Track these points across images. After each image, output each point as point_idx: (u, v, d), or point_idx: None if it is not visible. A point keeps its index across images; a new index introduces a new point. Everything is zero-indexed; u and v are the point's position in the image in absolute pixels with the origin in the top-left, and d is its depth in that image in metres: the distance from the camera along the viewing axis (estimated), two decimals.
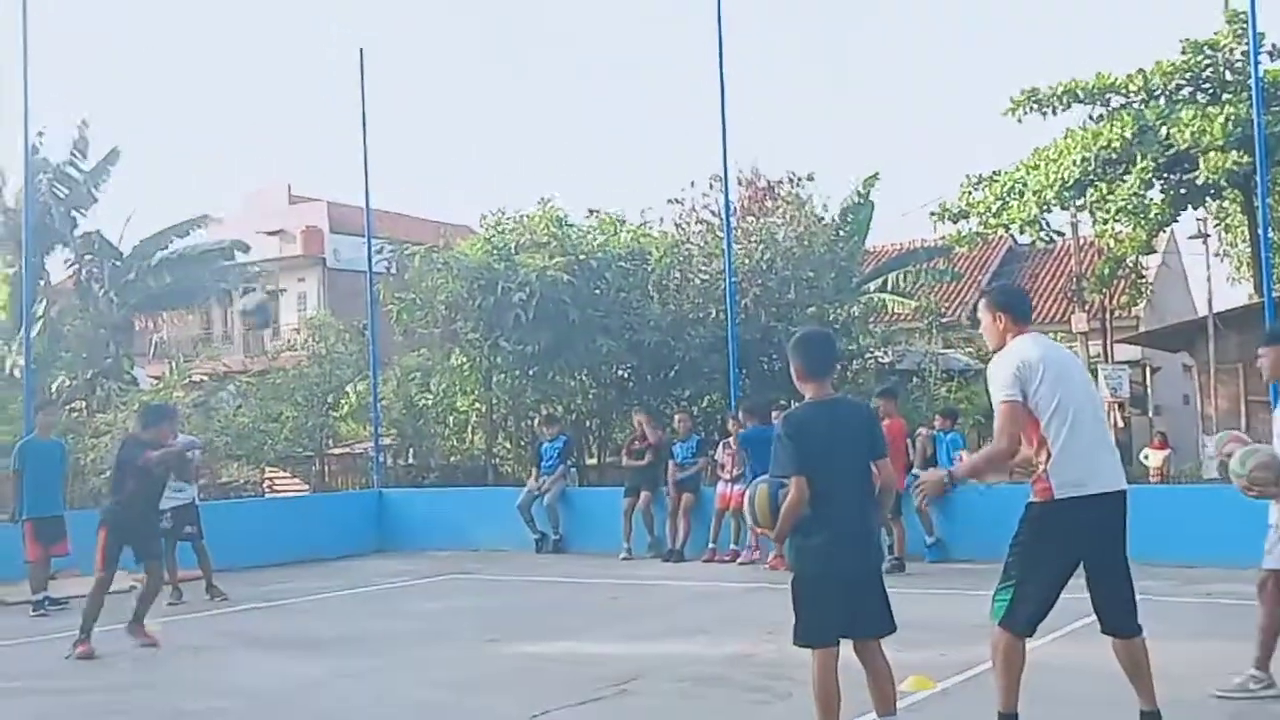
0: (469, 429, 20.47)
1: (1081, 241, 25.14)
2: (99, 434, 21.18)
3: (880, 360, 20.20)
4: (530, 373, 18.70)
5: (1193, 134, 15.76)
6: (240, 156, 70.09)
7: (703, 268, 18.59)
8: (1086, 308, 24.68)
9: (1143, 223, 18.11)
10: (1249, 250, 21.33)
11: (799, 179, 21.87)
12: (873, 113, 70.07)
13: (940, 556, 12.16)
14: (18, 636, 9.74)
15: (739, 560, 12.66)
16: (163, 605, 9.90)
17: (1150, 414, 26.49)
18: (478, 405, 19.69)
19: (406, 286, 19.22)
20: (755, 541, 12.76)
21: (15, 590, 11.34)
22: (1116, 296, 23.36)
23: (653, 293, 18.68)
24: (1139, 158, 16.41)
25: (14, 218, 24.22)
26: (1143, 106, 16.98)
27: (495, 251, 18.63)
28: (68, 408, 22.83)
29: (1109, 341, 24.96)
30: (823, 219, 20.66)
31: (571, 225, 19.57)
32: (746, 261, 18.11)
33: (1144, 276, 22.66)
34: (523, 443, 19.44)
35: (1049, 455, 4.89)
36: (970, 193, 18.37)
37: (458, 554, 14.54)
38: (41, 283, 25.23)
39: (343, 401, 22.56)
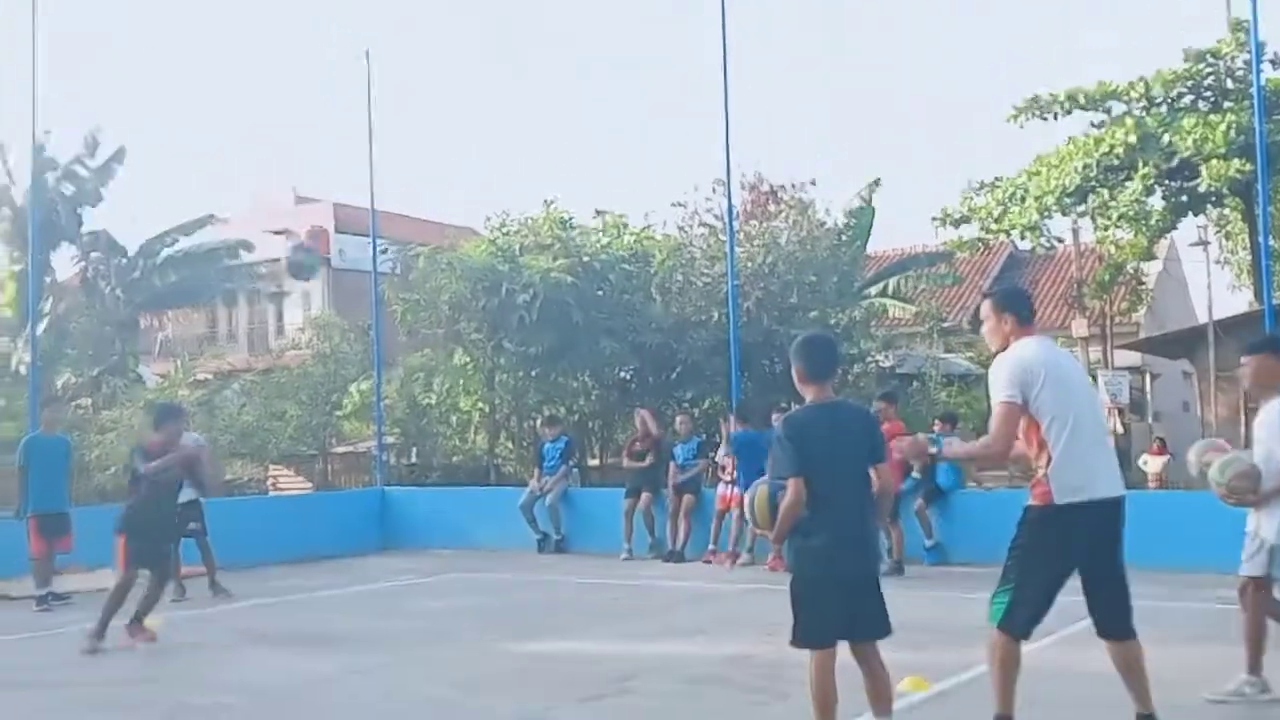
0: (472, 429, 20.54)
1: (1082, 247, 25.18)
2: (104, 431, 21.28)
3: (881, 364, 20.26)
4: (533, 373, 18.78)
5: (1195, 141, 15.81)
6: (246, 157, 70.22)
7: (705, 271, 18.66)
8: (1087, 313, 24.71)
9: (1143, 229, 18.15)
10: (1249, 258, 21.36)
11: (802, 184, 21.95)
12: (875, 118, 70.14)
13: (939, 560, 12.21)
14: (22, 631, 9.78)
15: (739, 561, 12.71)
16: (166, 602, 9.93)
17: (1150, 420, 26.53)
18: (481, 405, 19.76)
19: (411, 287, 19.31)
20: (735, 545, 12.83)
21: (19, 585, 11.39)
22: (1117, 303, 23.39)
23: (655, 295, 18.76)
24: (1141, 164, 16.45)
25: (21, 215, 24.30)
26: (1144, 114, 17.02)
27: (499, 253, 18.72)
28: (73, 404, 22.94)
29: (1109, 347, 24.99)
30: (825, 224, 20.73)
31: (575, 227, 19.66)
32: (749, 265, 18.18)
33: (1144, 283, 22.70)
34: (525, 443, 19.51)
35: (1049, 459, 4.91)
36: (971, 198, 18.40)
37: (460, 553, 14.60)
38: (48, 280, 25.30)
39: (346, 400, 22.64)
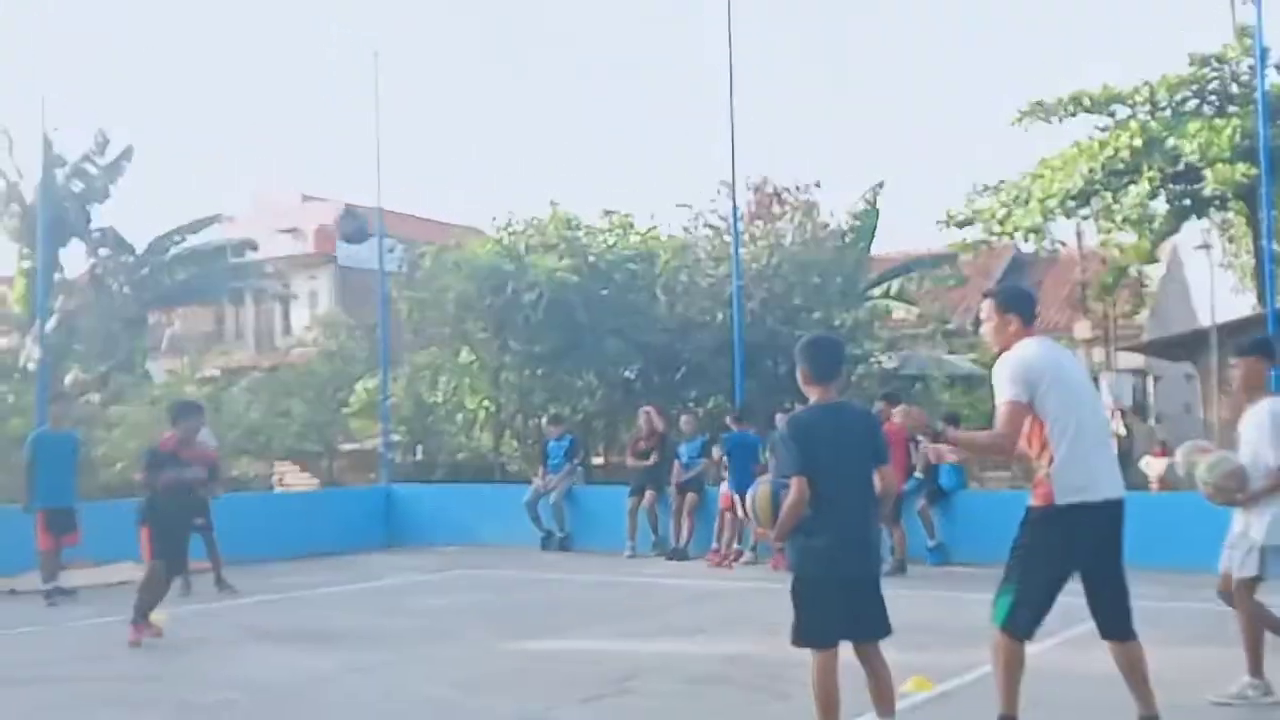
0: (477, 427, 20.58)
1: (1086, 250, 25.19)
2: (111, 427, 21.33)
3: (884, 366, 20.30)
4: (538, 372, 18.83)
5: (1200, 145, 15.81)
6: (253, 156, 70.22)
7: (710, 271, 18.70)
8: (1090, 316, 24.71)
9: (1147, 233, 18.17)
10: (1252, 261, 21.35)
11: (806, 185, 21.97)
12: (880, 120, 70.05)
13: (941, 560, 12.24)
14: (28, 625, 9.82)
15: (742, 560, 12.75)
16: (173, 597, 9.98)
17: (1152, 422, 26.54)
18: (486, 404, 19.80)
19: (417, 286, 19.36)
20: (730, 545, 12.87)
21: (26, 580, 11.43)
22: (1120, 305, 23.40)
23: (660, 295, 18.80)
24: (1145, 168, 16.46)
25: (31, 212, 24.36)
26: (1149, 118, 17.02)
27: (505, 252, 18.77)
28: (81, 400, 22.98)
29: (1112, 350, 25.01)
30: (829, 225, 20.76)
31: (581, 227, 19.70)
32: (753, 266, 18.22)
33: (1147, 286, 22.71)
34: (530, 441, 19.56)
35: (1051, 459, 4.92)
36: (975, 200, 18.44)
37: (464, 550, 14.63)
38: (57, 277, 25.36)
39: (353, 398, 22.70)
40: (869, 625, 5.04)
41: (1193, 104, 17.23)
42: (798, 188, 21.69)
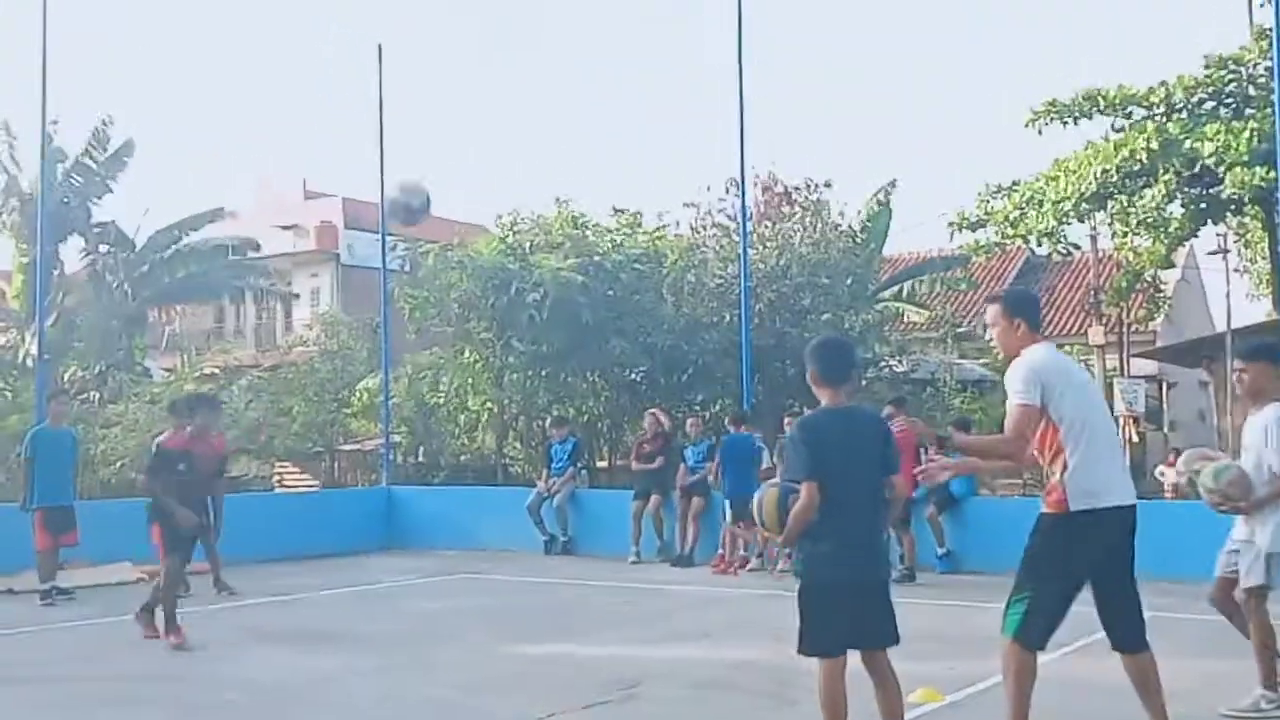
0: (480, 428, 20.48)
1: (1100, 254, 25.03)
2: (110, 424, 21.27)
3: (895, 369, 20.15)
4: (542, 373, 18.71)
5: (1217, 148, 15.65)
6: (255, 152, 70.36)
7: (717, 272, 18.57)
8: (1104, 321, 24.56)
9: (1162, 237, 18.00)
10: (1268, 267, 21.15)
11: (816, 185, 21.83)
12: (891, 120, 70.00)
13: (951, 568, 12.10)
14: (26, 625, 9.75)
15: (748, 566, 12.60)
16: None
17: (1166, 429, 26.37)
18: (489, 405, 19.69)
19: (420, 284, 19.25)
20: (724, 550, 12.74)
21: (23, 579, 11.34)
22: (1134, 310, 23.24)
23: (667, 296, 18.68)
24: (1162, 171, 16.29)
25: (30, 206, 24.31)
26: (1166, 119, 16.85)
27: (510, 251, 18.65)
28: (79, 398, 22.91)
29: (1126, 355, 24.85)
30: (839, 226, 20.61)
31: (587, 226, 19.58)
32: (761, 266, 18.08)
33: (1162, 291, 22.54)
34: (533, 443, 19.43)
35: (1065, 465, 4.84)
36: (988, 202, 18.26)
37: (466, 553, 14.52)
38: (56, 273, 25.31)
39: (354, 398, 22.61)
40: (877, 633, 4.93)
41: (1209, 106, 17.05)
42: (809, 185, 21.56)
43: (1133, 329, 25.01)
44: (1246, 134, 15.57)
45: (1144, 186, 16.86)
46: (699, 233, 20.65)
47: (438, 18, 77.56)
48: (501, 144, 72.66)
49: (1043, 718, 4.97)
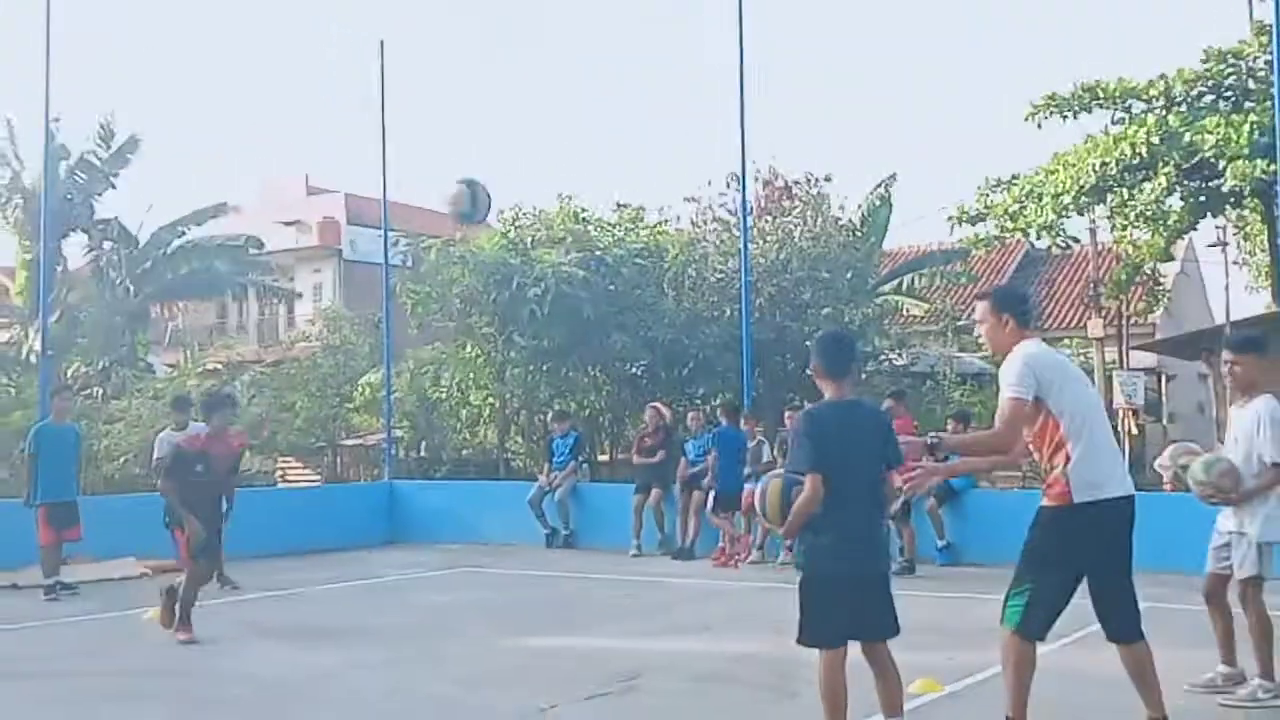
0: (481, 423, 20.51)
1: (1099, 247, 25.02)
2: (113, 420, 21.30)
3: (895, 363, 20.17)
4: (544, 368, 18.74)
5: (1218, 141, 15.65)
6: (258, 148, 70.37)
7: (718, 266, 18.59)
8: (1103, 314, 24.56)
9: (1161, 230, 17.99)
10: (1267, 259, 21.17)
11: (816, 179, 21.85)
12: (891, 114, 69.94)
13: (951, 560, 12.13)
14: (29, 620, 9.76)
15: (749, 559, 12.64)
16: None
17: (1165, 422, 26.38)
18: (491, 399, 19.72)
19: (422, 279, 19.28)
20: (724, 544, 12.78)
21: (27, 574, 11.36)
22: (1133, 303, 23.23)
23: (668, 290, 18.70)
24: (1161, 164, 16.29)
25: (33, 202, 24.34)
26: (1165, 112, 16.84)
27: (511, 246, 18.67)
28: (83, 393, 22.95)
29: (1125, 348, 24.84)
30: (839, 220, 20.62)
31: (589, 221, 19.60)
32: (762, 261, 18.10)
33: (1161, 283, 22.53)
34: (535, 438, 19.46)
35: (1067, 457, 4.86)
36: (988, 195, 18.26)
37: (468, 547, 14.55)
38: (59, 269, 25.34)
39: (356, 393, 22.63)
40: (877, 624, 4.97)
41: (1208, 99, 17.04)
42: (809, 180, 21.58)
43: (1132, 322, 24.99)
44: (1247, 127, 15.57)
45: (1143, 180, 16.86)
46: (700, 227, 20.67)
47: (440, 14, 77.51)
48: (503, 140, 72.63)
49: (1041, 708, 4.99)
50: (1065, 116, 17.70)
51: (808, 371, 5.23)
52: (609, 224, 19.90)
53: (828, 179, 21.81)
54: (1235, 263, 28.47)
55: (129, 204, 56.66)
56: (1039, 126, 17.77)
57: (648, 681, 6.98)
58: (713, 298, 18.38)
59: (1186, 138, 16.11)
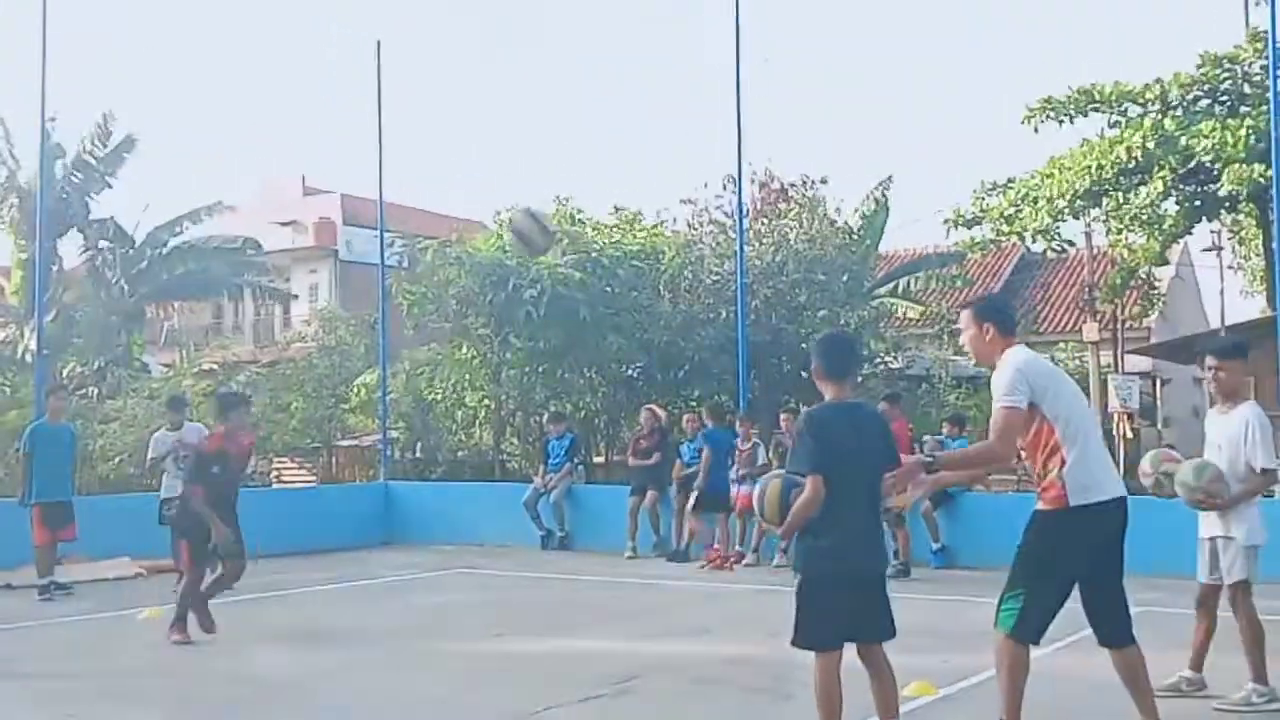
0: (477, 424, 20.51)
1: (1095, 251, 25.07)
2: (108, 420, 21.27)
3: (890, 365, 20.18)
4: (540, 369, 18.74)
5: (1213, 145, 15.69)
6: (255, 148, 70.27)
7: (714, 268, 18.60)
8: (1098, 317, 24.60)
9: (1157, 234, 18.04)
10: (1262, 264, 21.25)
11: (812, 182, 21.88)
12: (888, 117, 70.00)
13: (945, 563, 12.14)
14: (24, 620, 9.75)
15: (744, 561, 12.64)
16: (166, 593, 9.90)
17: (1160, 425, 26.41)
18: (486, 401, 19.72)
19: (418, 280, 19.27)
20: (718, 545, 12.79)
21: (21, 574, 11.35)
22: (1128, 307, 23.29)
23: (664, 292, 18.72)
24: (1157, 168, 16.32)
25: (29, 201, 24.30)
26: (1161, 117, 16.88)
27: (508, 247, 18.66)
28: (78, 393, 22.91)
29: (1120, 352, 24.88)
30: (835, 222, 20.64)
31: (586, 223, 19.62)
32: (758, 263, 18.11)
33: (1156, 288, 22.59)
34: (530, 439, 19.46)
35: (1062, 462, 4.87)
36: (983, 199, 18.30)
37: (463, 548, 14.55)
38: (55, 268, 25.29)
39: (352, 394, 22.61)
40: (873, 627, 4.97)
41: (1204, 104, 17.10)
42: (805, 183, 21.61)
43: (1127, 326, 25.05)
44: (1243, 131, 15.61)
45: (1139, 184, 16.90)
46: (696, 229, 20.69)
47: (437, 15, 77.50)
48: (500, 141, 72.62)
49: (1035, 712, 4.99)
50: (1061, 120, 17.75)
51: (804, 374, 5.25)
52: (606, 226, 19.91)
53: (824, 181, 21.85)
54: (1230, 267, 28.58)
55: (125, 204, 56.76)
56: (1035, 130, 17.81)
57: (643, 683, 6.98)
58: (709, 300, 18.39)
59: (1182, 142, 16.16)
